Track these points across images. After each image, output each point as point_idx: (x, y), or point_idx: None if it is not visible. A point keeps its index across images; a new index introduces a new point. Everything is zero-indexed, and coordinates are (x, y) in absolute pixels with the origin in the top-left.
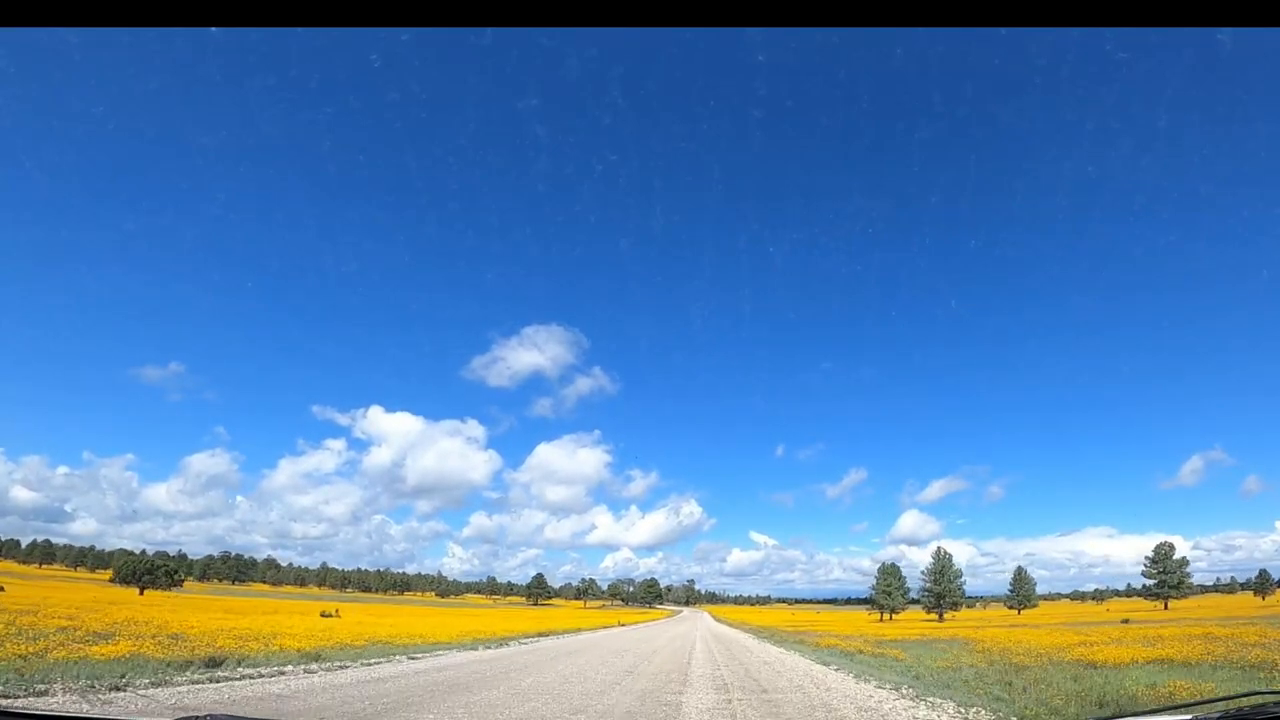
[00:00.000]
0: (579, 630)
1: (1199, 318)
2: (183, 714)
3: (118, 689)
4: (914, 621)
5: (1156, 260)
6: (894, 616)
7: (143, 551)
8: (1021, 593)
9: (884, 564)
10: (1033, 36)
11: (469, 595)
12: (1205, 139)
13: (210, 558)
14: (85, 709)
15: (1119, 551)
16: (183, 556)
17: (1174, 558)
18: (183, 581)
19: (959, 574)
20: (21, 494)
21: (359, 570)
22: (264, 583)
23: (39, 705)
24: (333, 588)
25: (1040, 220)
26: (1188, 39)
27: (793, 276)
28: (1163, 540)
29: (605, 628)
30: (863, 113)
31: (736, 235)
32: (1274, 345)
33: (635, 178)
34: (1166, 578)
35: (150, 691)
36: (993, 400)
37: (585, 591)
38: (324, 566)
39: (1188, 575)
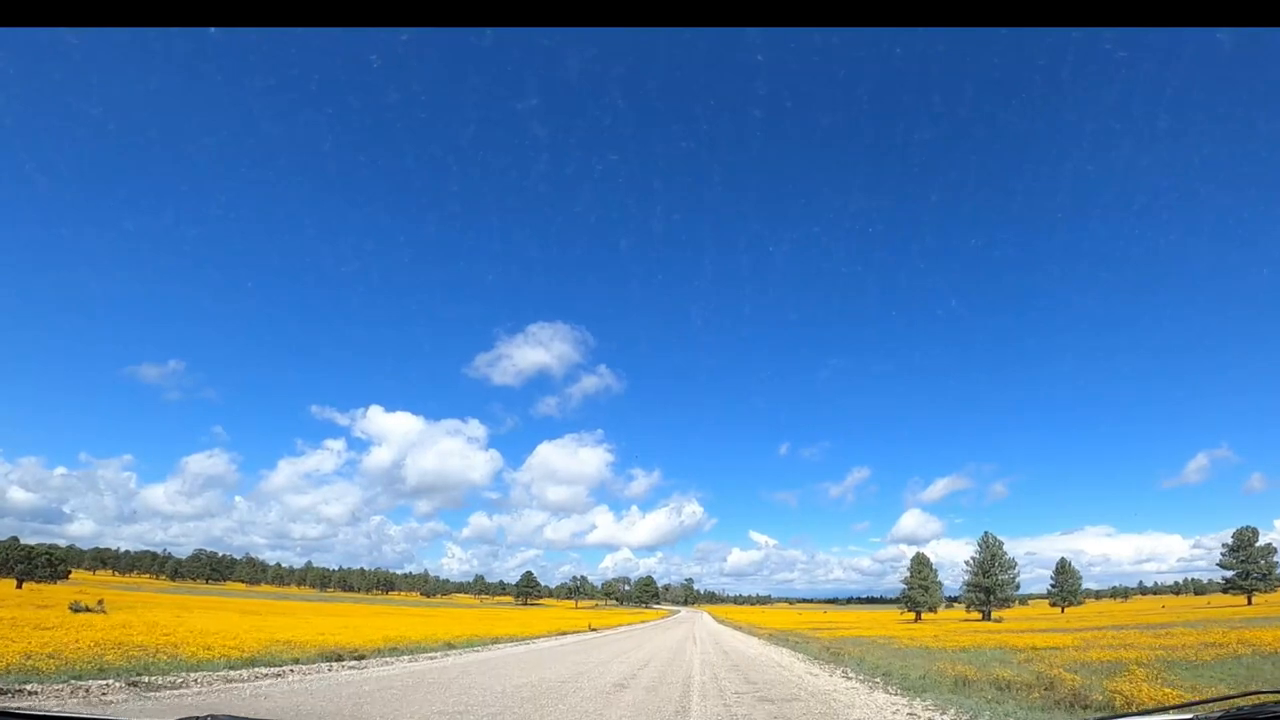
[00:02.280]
0: (494, 642)
1: (1208, 316)
2: (183, 714)
3: None
4: (967, 623)
5: (1164, 259)
6: (921, 617)
7: (125, 551)
8: (1066, 588)
9: (917, 554)
10: (1033, 36)
11: (457, 595)
12: (1208, 138)
13: (197, 555)
14: (85, 709)
15: (1118, 550)
16: (167, 556)
17: (1257, 544)
18: (69, 573)
19: (1013, 564)
20: (18, 495)
21: (341, 570)
22: (242, 582)
23: (39, 705)
24: (313, 587)
25: (1041, 219)
26: (1188, 39)
27: (798, 275)
28: (1241, 531)
29: (559, 635)
30: (863, 113)
31: (739, 234)
32: None
33: (638, 176)
34: (1250, 568)
35: None
36: (1000, 399)
37: (577, 591)
38: (308, 566)
39: (1276, 565)
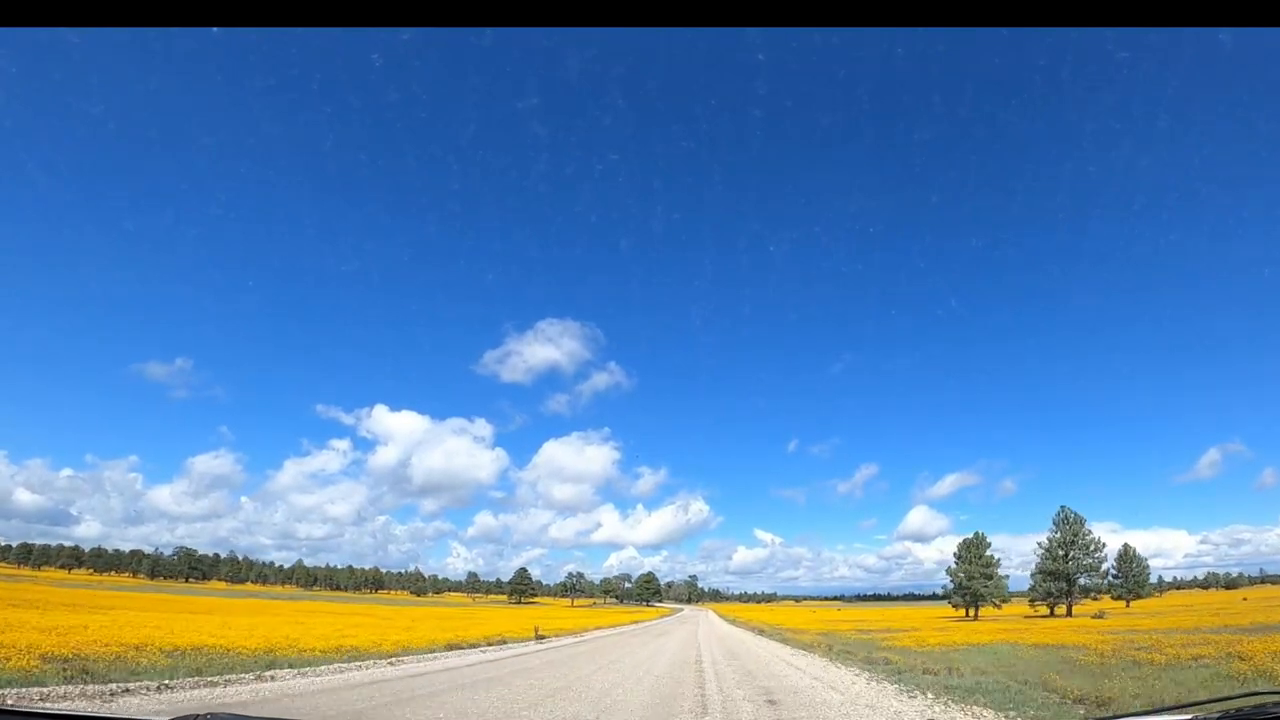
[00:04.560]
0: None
1: (1219, 313)
2: (182, 714)
3: None
4: (1056, 620)
5: (1169, 257)
6: (978, 614)
7: (115, 550)
8: (1134, 579)
9: (975, 535)
10: (1033, 36)
11: (451, 594)
12: (1208, 138)
13: (177, 553)
14: (85, 709)
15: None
16: (145, 554)
17: None
18: None
19: (1100, 546)
20: (25, 497)
21: (329, 568)
22: (225, 580)
23: (39, 705)
24: (300, 585)
25: (1048, 218)
26: (1188, 39)
27: (801, 273)
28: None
29: (454, 650)
30: (863, 113)
31: (739, 233)
32: None
33: (638, 176)
34: None
35: None
36: (1012, 395)
37: (573, 588)
38: (298, 564)
39: None
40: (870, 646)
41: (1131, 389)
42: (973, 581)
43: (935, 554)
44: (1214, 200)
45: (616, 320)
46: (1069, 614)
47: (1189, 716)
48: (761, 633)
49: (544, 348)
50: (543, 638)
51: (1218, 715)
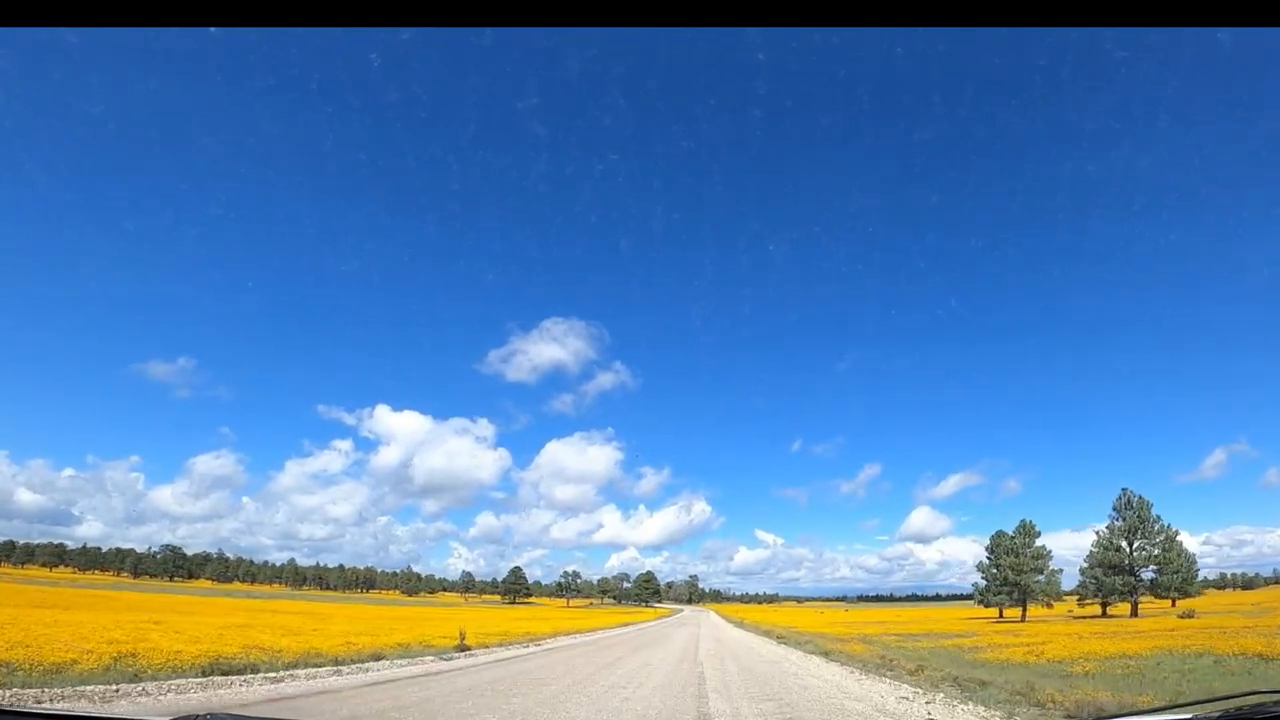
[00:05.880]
0: None
1: (1224, 313)
2: (181, 714)
3: None
4: (1138, 622)
5: (1179, 255)
6: (1024, 614)
7: (98, 549)
8: (1184, 575)
9: (1021, 523)
10: (1033, 36)
11: (444, 594)
12: (1208, 138)
13: (163, 550)
14: (85, 709)
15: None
16: (145, 552)
17: None
18: None
19: (1172, 535)
20: (26, 497)
21: (318, 566)
22: (211, 579)
23: (39, 705)
24: (289, 584)
25: (1048, 218)
26: (1188, 39)
27: (803, 273)
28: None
29: (340, 664)
30: (863, 113)
31: (739, 233)
32: None
33: (638, 176)
34: None
35: None
36: (1016, 395)
37: (568, 588)
38: (290, 563)
39: None
40: (986, 667)
41: (1133, 389)
42: (1023, 576)
43: (936, 555)
44: (1214, 200)
45: (618, 320)
46: (1134, 613)
47: (1189, 716)
48: (782, 640)
49: (549, 347)
50: (464, 650)
51: (1218, 715)
